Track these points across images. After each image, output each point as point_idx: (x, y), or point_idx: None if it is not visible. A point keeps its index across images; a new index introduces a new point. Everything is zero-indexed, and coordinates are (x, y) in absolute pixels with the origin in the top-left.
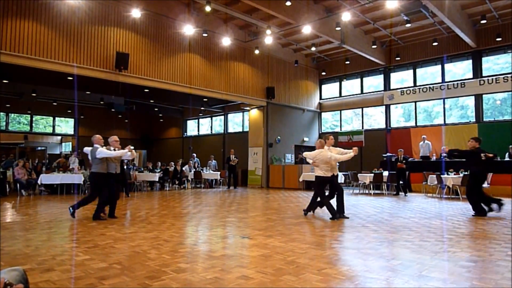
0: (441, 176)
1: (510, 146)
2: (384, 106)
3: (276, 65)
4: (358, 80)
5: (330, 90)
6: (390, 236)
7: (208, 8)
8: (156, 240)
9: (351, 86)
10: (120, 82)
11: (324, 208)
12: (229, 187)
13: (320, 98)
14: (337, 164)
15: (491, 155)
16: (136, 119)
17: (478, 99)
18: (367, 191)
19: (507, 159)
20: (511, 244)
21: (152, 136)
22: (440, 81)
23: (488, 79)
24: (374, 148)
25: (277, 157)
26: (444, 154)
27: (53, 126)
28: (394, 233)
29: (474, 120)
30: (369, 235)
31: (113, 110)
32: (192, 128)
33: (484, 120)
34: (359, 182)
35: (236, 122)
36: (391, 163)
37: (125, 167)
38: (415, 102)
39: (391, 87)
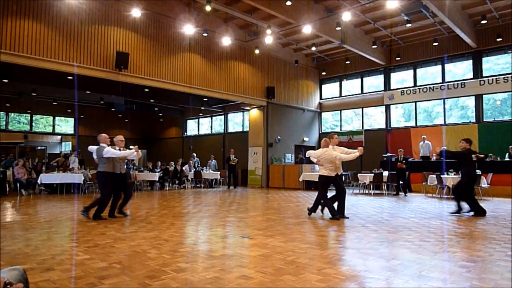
0: (441, 176)
1: (510, 146)
2: (384, 106)
3: (276, 65)
4: (358, 80)
5: (330, 90)
6: (390, 236)
7: (208, 8)
8: (156, 239)
9: (351, 86)
10: (120, 81)
11: (324, 208)
12: (229, 187)
13: (320, 98)
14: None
15: (482, 156)
16: (136, 118)
17: (478, 99)
18: (367, 191)
19: (507, 159)
20: (511, 244)
21: (152, 136)
22: (441, 81)
23: (488, 80)
24: (374, 148)
25: (277, 157)
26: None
27: (53, 126)
28: (394, 233)
29: (474, 120)
30: (369, 235)
31: (113, 109)
32: (192, 127)
33: (484, 120)
34: (359, 182)
35: (236, 122)
36: (391, 163)
37: (125, 166)
38: (415, 102)
39: (391, 87)
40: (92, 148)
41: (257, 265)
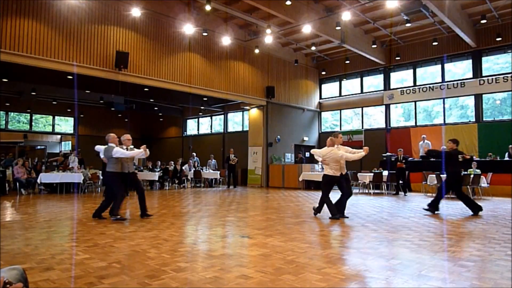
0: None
1: (510, 146)
2: (384, 106)
3: (276, 65)
4: (358, 79)
5: (330, 89)
6: (390, 235)
7: (208, 7)
8: (155, 239)
9: (351, 86)
10: (120, 81)
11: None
12: (229, 187)
13: (320, 98)
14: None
15: (468, 157)
16: (136, 118)
17: (478, 99)
18: (366, 191)
19: (506, 158)
20: (510, 244)
21: (152, 135)
22: (440, 80)
23: (488, 79)
24: (373, 147)
25: (276, 157)
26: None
27: (53, 125)
28: (393, 232)
29: (474, 120)
30: (369, 235)
31: (113, 109)
32: (192, 127)
33: (484, 120)
34: (359, 181)
35: (236, 122)
36: (390, 163)
37: (133, 166)
38: (415, 101)
39: (391, 87)
40: (100, 147)
41: (256, 264)
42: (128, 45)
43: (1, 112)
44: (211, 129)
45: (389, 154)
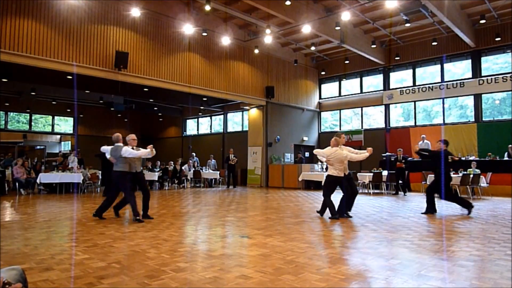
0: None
1: (510, 145)
2: (383, 106)
3: (275, 65)
4: (358, 79)
5: (329, 89)
6: (389, 235)
7: (207, 7)
8: (155, 239)
9: (350, 86)
10: (119, 81)
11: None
12: (228, 187)
13: (320, 98)
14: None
15: (456, 158)
16: (135, 118)
17: (477, 98)
18: (366, 191)
19: (506, 158)
20: (510, 244)
21: (151, 135)
22: (440, 80)
23: (487, 79)
24: (373, 147)
25: (276, 157)
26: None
27: (52, 125)
28: (393, 232)
29: (473, 119)
30: (368, 235)
31: (112, 109)
32: (191, 127)
33: (483, 119)
34: (359, 181)
35: (236, 122)
36: (390, 163)
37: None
38: (415, 101)
39: (391, 87)
40: (106, 148)
41: (256, 264)
42: (128, 45)
43: (1, 112)
44: (210, 129)
45: (389, 154)
